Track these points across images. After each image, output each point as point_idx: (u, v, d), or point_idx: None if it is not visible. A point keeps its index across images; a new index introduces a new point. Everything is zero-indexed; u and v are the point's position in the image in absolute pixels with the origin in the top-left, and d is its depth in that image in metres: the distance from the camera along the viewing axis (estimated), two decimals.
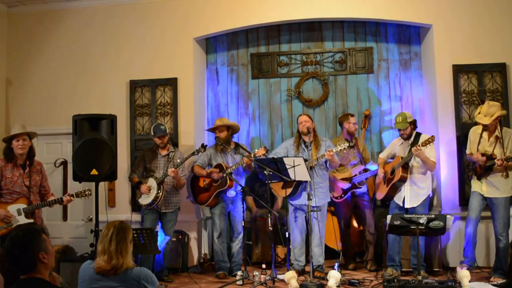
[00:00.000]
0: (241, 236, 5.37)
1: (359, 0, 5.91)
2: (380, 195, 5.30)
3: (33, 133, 4.84)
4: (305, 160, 4.93)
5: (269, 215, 5.23)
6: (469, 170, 5.45)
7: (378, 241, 5.55)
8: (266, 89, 6.61)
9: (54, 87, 6.40)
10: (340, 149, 4.95)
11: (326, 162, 5.18)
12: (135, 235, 4.16)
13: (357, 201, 5.64)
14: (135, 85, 6.23)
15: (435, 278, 4.79)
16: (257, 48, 6.66)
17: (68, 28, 6.44)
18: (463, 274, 4.30)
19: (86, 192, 4.70)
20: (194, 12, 6.18)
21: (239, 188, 5.22)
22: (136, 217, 5.86)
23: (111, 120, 5.23)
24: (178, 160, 5.34)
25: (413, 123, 5.14)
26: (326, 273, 4.76)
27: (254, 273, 4.98)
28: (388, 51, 6.42)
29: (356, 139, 5.77)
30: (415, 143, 5.00)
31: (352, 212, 5.78)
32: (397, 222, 4.21)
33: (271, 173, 4.94)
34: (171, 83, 6.15)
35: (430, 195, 5.22)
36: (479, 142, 4.99)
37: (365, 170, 5.56)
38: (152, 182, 5.29)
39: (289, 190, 5.11)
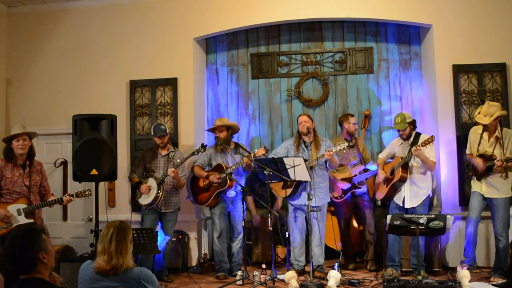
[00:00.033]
0: (241, 236, 5.37)
1: (359, 0, 5.91)
2: (380, 195, 5.31)
3: (33, 133, 4.84)
4: (305, 160, 4.93)
5: (269, 215, 5.23)
6: (469, 170, 5.45)
7: (378, 241, 5.56)
8: (266, 89, 6.61)
9: (54, 87, 6.41)
10: (340, 149, 4.95)
11: (326, 162, 5.18)
12: (135, 235, 4.16)
13: (357, 201, 5.64)
14: (135, 85, 6.23)
15: (435, 278, 4.79)
16: (257, 48, 6.67)
17: (68, 28, 6.44)
18: (463, 274, 4.30)
19: (86, 192, 4.70)
20: (194, 12, 6.18)
21: (239, 188, 5.22)
22: (136, 217, 5.86)
23: (111, 120, 5.23)
24: (178, 160, 5.34)
25: (412, 124, 5.14)
26: (326, 273, 4.76)
27: (254, 273, 4.99)
28: (388, 51, 6.42)
29: (356, 139, 5.77)
30: (414, 143, 5.00)
31: (352, 212, 5.78)
32: (397, 222, 4.21)
33: (271, 173, 4.94)
34: (171, 83, 6.15)
35: (430, 195, 5.22)
36: (479, 142, 4.99)
37: (365, 170, 5.56)
38: (152, 182, 5.29)
39: (289, 190, 5.12)
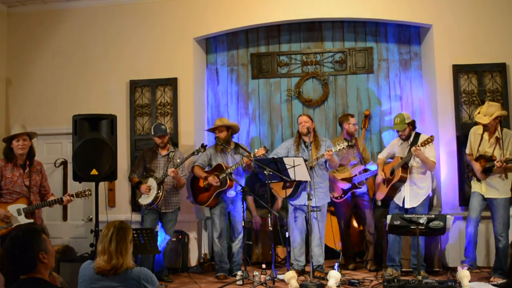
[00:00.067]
0: (241, 236, 5.37)
1: (359, 0, 5.91)
2: (380, 195, 5.31)
3: (33, 133, 4.83)
4: (305, 160, 4.93)
5: (269, 215, 5.23)
6: (469, 170, 5.45)
7: (378, 241, 5.56)
8: (266, 89, 6.61)
9: (54, 87, 6.41)
10: (339, 149, 4.95)
11: (326, 162, 5.18)
12: (135, 235, 4.15)
13: (357, 201, 5.64)
14: (135, 85, 6.23)
15: (435, 278, 4.79)
16: (257, 48, 6.67)
17: (68, 28, 6.44)
18: (463, 274, 4.30)
19: (86, 192, 4.70)
20: (194, 12, 6.18)
21: (239, 188, 5.22)
22: (136, 217, 5.86)
23: (111, 120, 5.23)
24: (178, 160, 5.34)
25: (412, 124, 5.14)
26: (326, 273, 4.76)
27: (254, 273, 4.99)
28: (388, 51, 6.42)
29: (356, 139, 5.78)
30: (414, 143, 5.00)
31: (352, 212, 5.79)
32: (397, 222, 4.21)
33: (271, 173, 4.94)
34: (171, 83, 6.15)
35: (430, 195, 5.22)
36: (480, 143, 4.99)
37: (365, 170, 5.56)
38: (152, 182, 5.29)
39: (289, 191, 5.12)
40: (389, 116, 6.29)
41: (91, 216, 5.87)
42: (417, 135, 5.13)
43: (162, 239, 5.28)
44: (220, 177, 5.25)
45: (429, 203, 5.27)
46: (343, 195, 5.53)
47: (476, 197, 5.01)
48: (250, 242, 5.88)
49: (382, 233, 5.42)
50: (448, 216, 4.18)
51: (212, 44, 6.68)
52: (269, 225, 5.06)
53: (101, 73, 6.30)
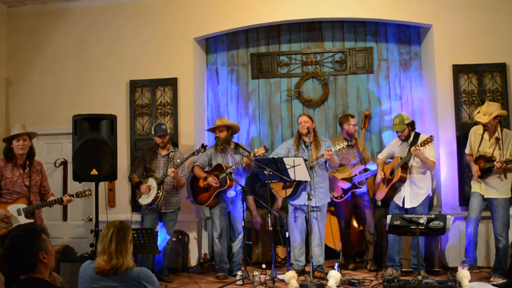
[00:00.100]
0: (241, 236, 5.37)
1: (359, 0, 5.90)
2: (380, 195, 5.31)
3: (33, 133, 4.84)
4: (305, 160, 4.93)
5: (269, 215, 5.23)
6: (469, 170, 5.45)
7: (378, 241, 5.56)
8: (266, 89, 6.61)
9: (54, 87, 6.41)
10: (339, 148, 4.95)
11: (326, 162, 5.18)
12: (135, 235, 4.15)
13: (357, 201, 5.64)
14: (135, 85, 6.23)
15: (435, 278, 4.79)
16: (257, 48, 6.67)
17: (68, 28, 6.44)
18: (463, 274, 4.30)
19: (86, 192, 4.71)
20: (194, 12, 6.18)
21: (239, 188, 5.22)
22: (136, 217, 5.86)
23: (111, 120, 5.23)
24: (178, 160, 5.34)
25: (411, 125, 5.14)
26: (326, 273, 4.76)
27: (254, 273, 4.99)
28: (388, 51, 6.42)
29: (356, 139, 5.78)
30: (414, 143, 5.00)
31: (352, 212, 5.79)
32: (397, 222, 4.21)
33: (271, 173, 4.94)
34: (171, 83, 6.15)
35: (430, 195, 5.22)
36: (480, 143, 4.99)
37: (365, 170, 5.56)
38: (152, 182, 5.29)
39: (289, 191, 5.12)
40: (389, 115, 6.29)
41: (91, 216, 5.87)
42: (417, 135, 5.13)
43: (162, 239, 5.27)
44: (220, 177, 5.25)
45: (429, 203, 5.27)
46: (343, 195, 5.53)
47: (476, 197, 5.01)
48: (250, 242, 5.88)
49: (382, 233, 5.42)
50: (448, 216, 4.17)
51: (212, 44, 6.68)
52: (269, 225, 5.06)
53: (101, 73, 6.30)
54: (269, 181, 5.01)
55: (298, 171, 4.85)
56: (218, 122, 5.53)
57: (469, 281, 4.29)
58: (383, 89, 6.40)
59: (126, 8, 6.30)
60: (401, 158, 5.08)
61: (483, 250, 5.39)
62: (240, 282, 4.91)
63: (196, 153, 5.30)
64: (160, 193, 5.23)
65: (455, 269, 4.84)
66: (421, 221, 4.12)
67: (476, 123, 5.11)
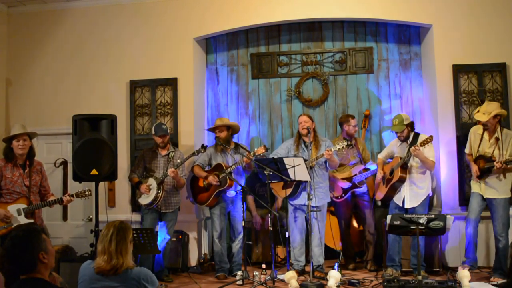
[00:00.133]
0: (241, 236, 5.37)
1: (359, 0, 5.90)
2: (379, 195, 5.30)
3: (33, 133, 4.84)
4: (305, 160, 4.93)
5: (268, 214, 5.23)
6: (469, 170, 5.44)
7: (378, 241, 5.56)
8: (266, 89, 6.61)
9: (54, 87, 6.41)
10: (339, 148, 4.95)
11: (326, 162, 5.18)
12: (135, 235, 4.16)
13: (357, 201, 5.64)
14: (135, 85, 6.23)
15: (435, 278, 4.79)
16: (257, 48, 6.67)
17: (68, 28, 6.44)
18: (463, 274, 4.30)
19: (86, 192, 4.71)
20: (195, 12, 6.18)
21: (239, 188, 5.22)
22: (136, 217, 5.86)
23: (111, 120, 5.23)
24: (178, 161, 5.34)
25: (410, 125, 5.13)
26: (326, 273, 4.76)
27: (254, 273, 4.99)
28: (388, 51, 6.42)
29: (356, 139, 5.78)
30: (413, 143, 5.00)
31: (352, 212, 5.79)
32: (397, 222, 4.21)
33: (271, 173, 4.94)
34: (171, 83, 6.15)
35: (430, 195, 5.22)
36: (480, 143, 4.99)
37: (365, 170, 5.56)
38: (152, 182, 5.29)
39: (289, 190, 5.11)
40: (389, 115, 6.29)
41: (91, 216, 5.87)
42: (416, 135, 5.13)
43: (162, 239, 5.28)
44: (220, 177, 5.25)
45: (429, 203, 5.27)
46: (343, 195, 5.53)
47: (476, 197, 5.01)
48: (250, 242, 5.88)
49: (382, 233, 5.42)
50: (448, 216, 4.17)
51: (212, 44, 6.68)
52: (269, 224, 5.06)
53: (101, 73, 6.30)
54: (269, 181, 5.01)
55: (298, 171, 4.85)
56: (218, 122, 5.53)
57: (469, 281, 4.29)
58: (383, 89, 6.40)
59: (126, 8, 6.30)
60: (400, 158, 5.08)
61: (483, 250, 5.39)
62: (240, 282, 4.92)
63: (196, 153, 5.30)
64: (160, 193, 5.23)
65: (455, 269, 4.84)
66: (421, 221, 4.12)
67: (476, 123, 5.11)
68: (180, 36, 6.19)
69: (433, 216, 4.16)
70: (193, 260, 5.91)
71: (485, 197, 4.95)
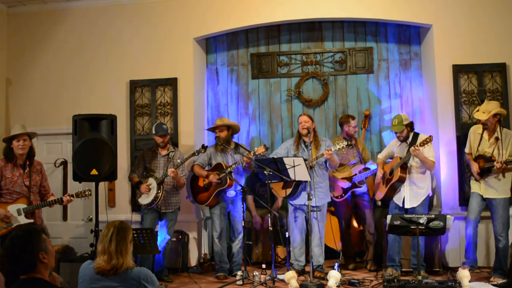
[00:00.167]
0: (241, 236, 5.37)
1: (359, 0, 5.90)
2: (379, 195, 5.30)
3: (33, 133, 4.84)
4: (305, 160, 4.93)
5: (268, 214, 5.23)
6: (468, 170, 5.44)
7: (378, 241, 5.56)
8: (266, 89, 6.61)
9: (54, 87, 6.41)
10: (339, 148, 4.95)
11: (326, 162, 5.18)
12: (135, 235, 4.16)
13: (357, 201, 5.64)
14: (135, 85, 6.23)
15: (435, 278, 4.79)
16: (257, 48, 6.67)
17: (68, 28, 6.44)
18: (463, 274, 4.30)
19: (86, 192, 4.71)
20: (195, 12, 6.18)
21: (238, 188, 5.22)
22: (136, 217, 5.86)
23: (111, 120, 5.23)
24: (178, 161, 5.34)
25: (410, 126, 5.13)
26: (326, 273, 4.76)
27: (254, 273, 4.99)
28: (388, 51, 6.42)
29: (356, 139, 5.79)
30: (413, 143, 5.00)
31: (352, 212, 5.79)
32: (397, 222, 4.21)
33: (271, 173, 4.94)
34: (171, 83, 6.15)
35: (430, 195, 5.22)
36: (479, 142, 4.99)
37: (365, 169, 5.56)
38: (152, 182, 5.29)
39: (289, 190, 5.11)
40: (389, 115, 6.29)
41: (91, 216, 5.87)
42: (416, 135, 5.13)
43: (162, 239, 5.28)
44: (220, 176, 5.25)
45: (429, 203, 5.27)
46: (343, 194, 5.53)
47: (475, 198, 5.01)
48: (250, 242, 5.88)
49: (382, 233, 5.42)
50: (448, 216, 4.17)
51: (212, 44, 6.69)
52: (269, 224, 5.06)
53: (101, 73, 6.30)
54: (269, 181, 5.01)
55: (298, 171, 4.85)
56: (219, 121, 5.53)
57: (469, 281, 4.29)
58: (383, 89, 6.40)
59: (127, 8, 6.30)
60: (400, 158, 5.08)
61: (483, 250, 5.39)
62: (240, 282, 4.91)
63: (196, 154, 5.30)
64: (160, 193, 5.23)
65: (455, 269, 4.84)
66: (421, 221, 4.12)
67: (476, 123, 5.11)
68: (180, 36, 6.19)
69: (433, 216, 4.16)
70: (193, 260, 5.91)
71: (484, 197, 4.95)
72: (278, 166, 4.91)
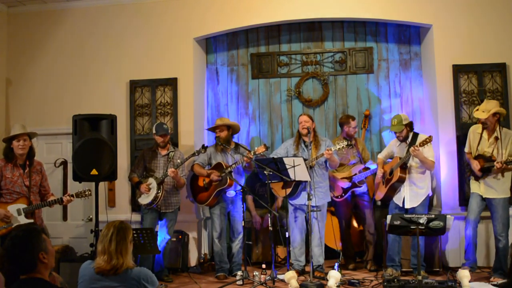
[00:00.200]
0: (241, 236, 5.37)
1: (359, 0, 5.91)
2: (379, 195, 5.30)
3: (33, 133, 4.84)
4: (305, 160, 4.93)
5: (269, 214, 5.23)
6: (468, 169, 5.44)
7: (378, 241, 5.56)
8: (266, 89, 6.61)
9: (54, 87, 6.41)
10: (339, 148, 4.96)
11: (326, 162, 5.18)
12: (135, 235, 4.16)
13: (357, 201, 5.64)
14: (135, 85, 6.23)
15: (435, 278, 4.79)
16: (257, 48, 6.67)
17: (68, 28, 6.44)
18: (463, 274, 4.30)
19: (86, 192, 4.71)
20: (195, 12, 6.18)
21: (238, 188, 5.22)
22: (136, 217, 5.87)
23: (111, 120, 5.23)
24: (178, 161, 5.34)
25: (409, 126, 5.13)
26: (326, 273, 4.76)
27: (254, 273, 4.99)
28: (388, 51, 6.42)
29: (356, 139, 5.79)
30: (413, 143, 5.00)
31: (352, 212, 5.79)
32: (397, 222, 4.21)
33: (271, 173, 4.94)
34: (171, 83, 6.15)
35: (430, 195, 5.22)
36: (479, 142, 4.99)
37: (365, 169, 5.56)
38: (152, 182, 5.29)
39: (288, 190, 5.11)
40: (389, 114, 6.29)
41: (91, 216, 5.87)
42: (415, 135, 5.13)
43: (162, 239, 5.28)
44: (220, 175, 5.25)
45: (429, 203, 5.27)
46: (343, 194, 5.53)
47: (475, 198, 5.00)
48: (250, 242, 5.88)
49: (382, 233, 5.42)
50: (448, 216, 4.17)
51: (212, 44, 6.69)
52: (269, 224, 5.06)
53: (101, 73, 6.30)
54: (269, 181, 5.01)
55: (298, 171, 4.85)
56: (219, 121, 5.54)
57: (469, 281, 4.29)
58: (383, 89, 6.40)
59: (127, 8, 6.30)
60: (400, 158, 5.08)
61: (483, 250, 5.39)
62: (240, 282, 4.92)
63: (196, 154, 5.30)
64: (160, 193, 5.23)
65: (455, 269, 4.84)
66: (421, 221, 4.12)
67: (476, 123, 5.11)
68: (180, 36, 6.19)
69: (433, 216, 4.16)
70: (193, 260, 5.91)
71: (484, 197, 4.95)
72: (278, 166, 4.91)
